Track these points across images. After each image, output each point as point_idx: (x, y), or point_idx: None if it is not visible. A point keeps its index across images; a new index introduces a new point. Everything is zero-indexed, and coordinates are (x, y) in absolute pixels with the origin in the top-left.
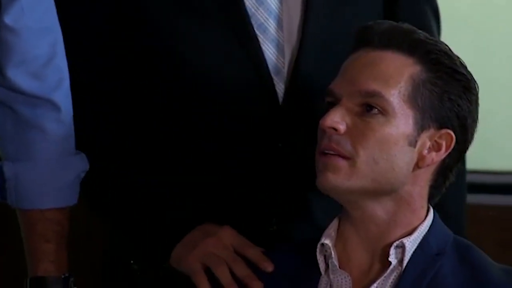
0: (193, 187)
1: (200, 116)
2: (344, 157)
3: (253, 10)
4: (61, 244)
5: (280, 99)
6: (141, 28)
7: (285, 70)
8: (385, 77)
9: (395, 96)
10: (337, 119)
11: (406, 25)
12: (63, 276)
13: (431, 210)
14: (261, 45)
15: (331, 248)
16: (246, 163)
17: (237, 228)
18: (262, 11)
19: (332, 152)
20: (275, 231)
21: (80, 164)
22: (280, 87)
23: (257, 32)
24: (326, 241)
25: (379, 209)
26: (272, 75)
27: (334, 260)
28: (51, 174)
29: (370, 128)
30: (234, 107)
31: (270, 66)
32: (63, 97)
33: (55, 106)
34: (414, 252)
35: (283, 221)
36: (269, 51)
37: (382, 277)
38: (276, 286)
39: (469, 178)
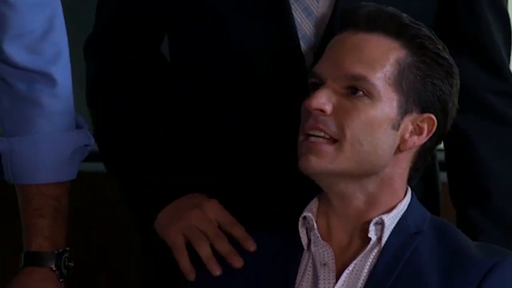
0: (210, 151)
1: (225, 80)
2: (330, 138)
3: None
4: (57, 219)
5: (308, 69)
6: None
7: (314, 40)
8: (371, 60)
9: (381, 80)
10: (323, 100)
11: (392, 9)
12: (56, 252)
13: (409, 191)
14: (294, 13)
15: (313, 219)
16: (267, 131)
17: (248, 195)
18: None
19: (317, 133)
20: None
21: (78, 139)
22: (308, 58)
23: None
24: (308, 214)
25: (359, 192)
26: (301, 43)
27: (316, 231)
28: (47, 149)
29: (356, 109)
30: (260, 74)
31: (300, 35)
32: (60, 71)
33: (51, 81)
34: (393, 229)
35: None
36: (301, 19)
37: (362, 254)
38: (259, 264)
39: (440, 157)
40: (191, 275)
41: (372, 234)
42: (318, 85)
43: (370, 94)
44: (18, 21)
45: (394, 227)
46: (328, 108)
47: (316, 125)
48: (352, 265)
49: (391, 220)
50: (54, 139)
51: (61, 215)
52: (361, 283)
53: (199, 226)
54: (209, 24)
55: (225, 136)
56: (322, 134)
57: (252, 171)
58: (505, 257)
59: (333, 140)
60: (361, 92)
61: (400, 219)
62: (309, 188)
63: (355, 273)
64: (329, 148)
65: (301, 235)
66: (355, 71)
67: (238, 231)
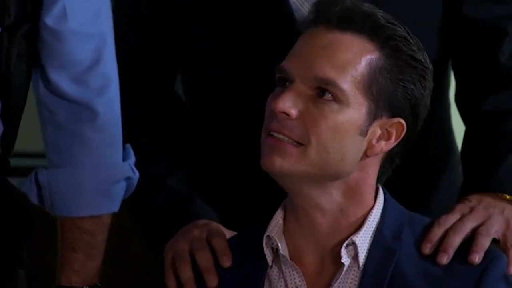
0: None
1: (225, 80)
2: (295, 141)
3: None
4: (90, 254)
5: None
6: None
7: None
8: (342, 63)
9: (350, 84)
10: (289, 104)
11: (368, 6)
12: (85, 287)
13: (380, 193)
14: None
15: (277, 241)
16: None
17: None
18: None
19: (281, 137)
20: None
21: (118, 172)
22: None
23: None
24: (272, 233)
25: (324, 197)
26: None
27: (283, 252)
28: (82, 182)
29: (323, 115)
30: (261, 74)
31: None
32: (104, 103)
33: (93, 113)
34: (369, 248)
35: None
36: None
37: (339, 279)
38: (228, 276)
39: None
40: None
41: (344, 259)
42: (286, 81)
43: (338, 99)
44: (65, 52)
45: (371, 245)
46: (294, 112)
47: (281, 130)
48: None
49: (363, 239)
50: (91, 172)
51: (95, 250)
52: None
53: (189, 245)
54: (209, 25)
55: (225, 136)
56: (286, 139)
57: (252, 171)
58: (487, 266)
59: (298, 144)
60: (330, 95)
61: (374, 232)
62: None
63: None
64: (293, 150)
65: (266, 253)
66: (325, 74)
67: (218, 244)
